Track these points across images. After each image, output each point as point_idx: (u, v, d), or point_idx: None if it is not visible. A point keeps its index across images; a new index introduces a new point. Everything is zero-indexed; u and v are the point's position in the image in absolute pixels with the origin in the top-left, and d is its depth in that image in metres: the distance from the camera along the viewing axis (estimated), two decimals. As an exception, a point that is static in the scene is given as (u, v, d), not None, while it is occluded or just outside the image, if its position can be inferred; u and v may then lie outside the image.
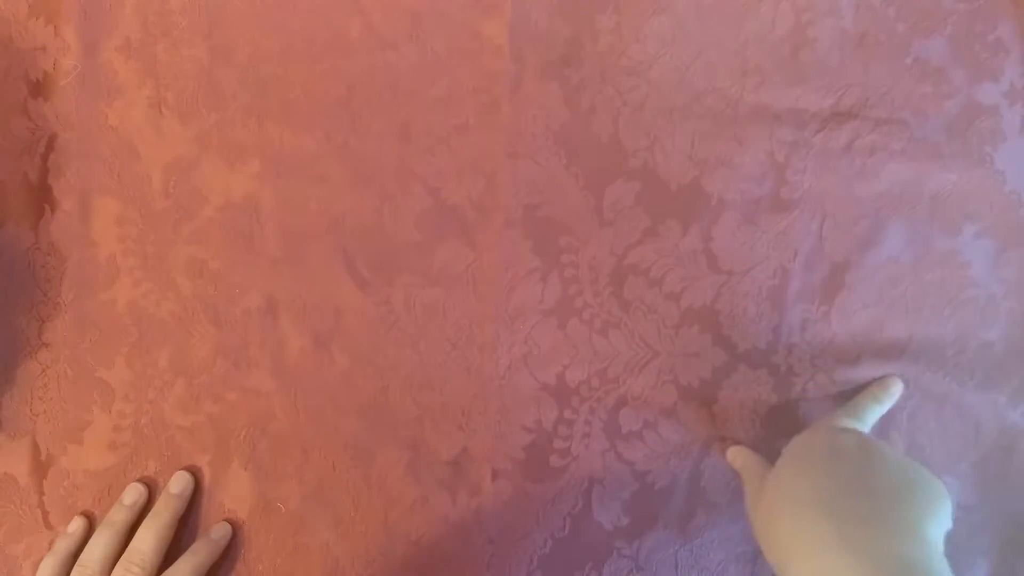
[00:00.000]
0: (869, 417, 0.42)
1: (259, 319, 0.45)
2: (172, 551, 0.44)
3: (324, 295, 0.45)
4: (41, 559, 0.44)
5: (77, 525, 0.44)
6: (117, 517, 0.43)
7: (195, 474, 0.45)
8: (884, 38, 0.44)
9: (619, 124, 0.44)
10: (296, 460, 0.45)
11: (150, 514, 0.43)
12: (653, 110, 0.44)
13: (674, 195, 0.44)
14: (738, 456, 0.44)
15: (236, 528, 0.45)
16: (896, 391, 0.44)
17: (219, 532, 0.45)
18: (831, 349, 0.45)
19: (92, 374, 0.45)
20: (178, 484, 0.44)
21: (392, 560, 0.45)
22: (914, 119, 0.44)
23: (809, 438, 0.38)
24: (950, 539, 0.34)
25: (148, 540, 0.42)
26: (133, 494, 0.44)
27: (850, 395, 0.45)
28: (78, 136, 0.44)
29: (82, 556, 0.42)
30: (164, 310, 0.45)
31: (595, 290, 0.45)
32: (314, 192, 0.44)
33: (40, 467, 0.45)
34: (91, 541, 0.43)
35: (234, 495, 0.45)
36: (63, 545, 0.43)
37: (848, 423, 0.41)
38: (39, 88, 0.44)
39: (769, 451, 0.45)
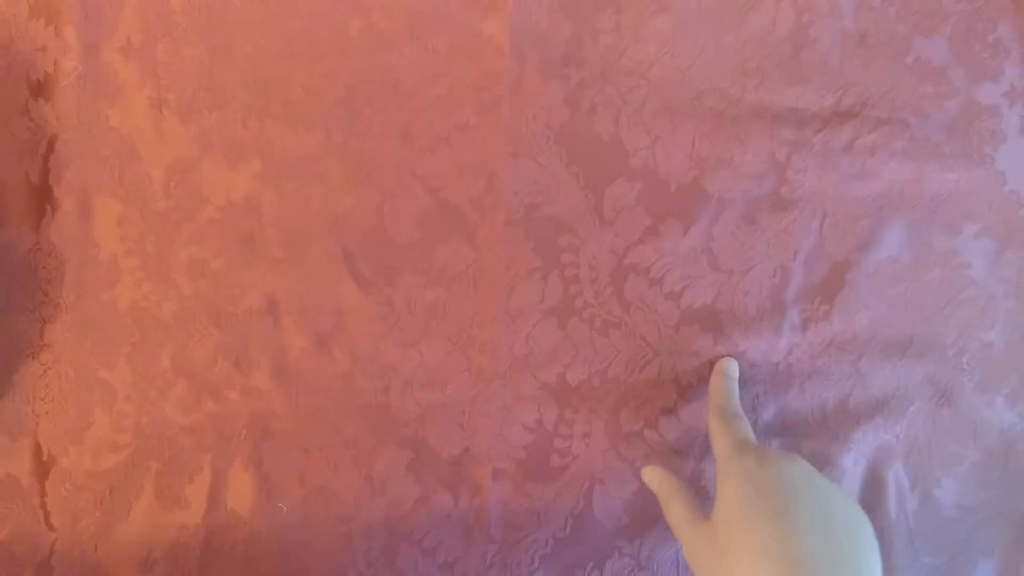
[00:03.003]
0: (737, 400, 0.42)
1: (260, 319, 0.45)
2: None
3: (325, 295, 0.45)
4: (43, 560, 0.44)
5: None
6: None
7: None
8: (885, 38, 0.44)
9: (620, 123, 0.44)
10: (297, 460, 0.45)
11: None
12: (654, 109, 0.44)
13: (675, 194, 0.44)
14: (656, 478, 0.41)
15: (238, 528, 0.45)
16: (731, 365, 0.44)
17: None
18: (831, 348, 0.45)
19: (94, 375, 0.45)
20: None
21: (394, 560, 0.45)
22: (914, 119, 0.44)
23: (752, 472, 0.35)
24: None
25: None
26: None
27: (849, 396, 0.45)
28: (79, 137, 0.44)
29: None
30: (165, 310, 0.45)
31: (596, 289, 0.45)
32: (315, 192, 0.44)
33: (42, 468, 0.45)
34: None
35: (236, 495, 0.45)
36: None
37: (743, 428, 0.39)
38: (40, 89, 0.44)
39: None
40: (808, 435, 0.45)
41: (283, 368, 0.45)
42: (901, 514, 0.45)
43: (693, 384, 0.45)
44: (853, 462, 0.45)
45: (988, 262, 0.45)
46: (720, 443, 0.38)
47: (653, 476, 0.41)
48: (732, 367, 0.44)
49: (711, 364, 0.45)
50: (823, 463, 0.45)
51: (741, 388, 0.45)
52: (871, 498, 0.45)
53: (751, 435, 0.39)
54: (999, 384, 0.45)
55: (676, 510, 0.38)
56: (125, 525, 0.45)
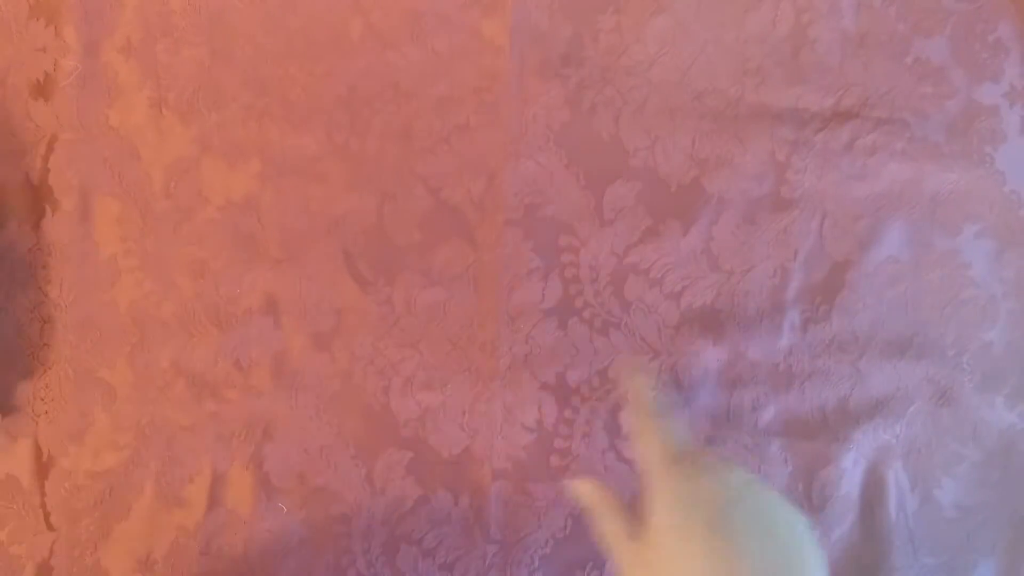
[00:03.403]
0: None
1: (260, 319, 0.45)
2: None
3: (325, 295, 0.45)
4: (43, 561, 0.44)
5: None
6: None
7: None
8: (884, 38, 0.44)
9: (620, 124, 0.44)
10: (297, 460, 0.45)
11: None
12: (654, 110, 0.44)
13: (675, 195, 0.44)
14: (584, 492, 0.37)
15: (238, 528, 0.45)
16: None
17: None
18: (831, 349, 0.45)
19: (93, 375, 0.45)
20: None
21: (394, 560, 0.45)
22: (914, 119, 0.44)
23: (683, 488, 0.33)
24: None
25: None
26: None
27: (849, 396, 0.45)
28: (79, 137, 0.44)
29: None
30: (165, 310, 0.45)
31: (595, 289, 0.45)
32: (315, 192, 0.44)
33: (42, 468, 0.45)
34: None
35: (235, 495, 0.45)
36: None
37: (672, 430, 0.35)
38: (40, 89, 0.44)
39: (768, 452, 0.45)
40: (808, 435, 0.45)
41: (283, 368, 0.45)
42: (901, 514, 0.45)
43: (693, 384, 0.45)
44: (853, 462, 0.45)
45: (988, 262, 0.45)
46: (646, 452, 0.35)
47: (582, 490, 0.37)
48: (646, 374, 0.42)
49: (711, 364, 0.45)
50: (823, 463, 0.45)
51: (741, 389, 0.45)
52: (871, 498, 0.45)
53: (681, 434, 0.35)
54: (999, 384, 0.45)
55: (607, 526, 0.35)
56: (125, 525, 0.45)
